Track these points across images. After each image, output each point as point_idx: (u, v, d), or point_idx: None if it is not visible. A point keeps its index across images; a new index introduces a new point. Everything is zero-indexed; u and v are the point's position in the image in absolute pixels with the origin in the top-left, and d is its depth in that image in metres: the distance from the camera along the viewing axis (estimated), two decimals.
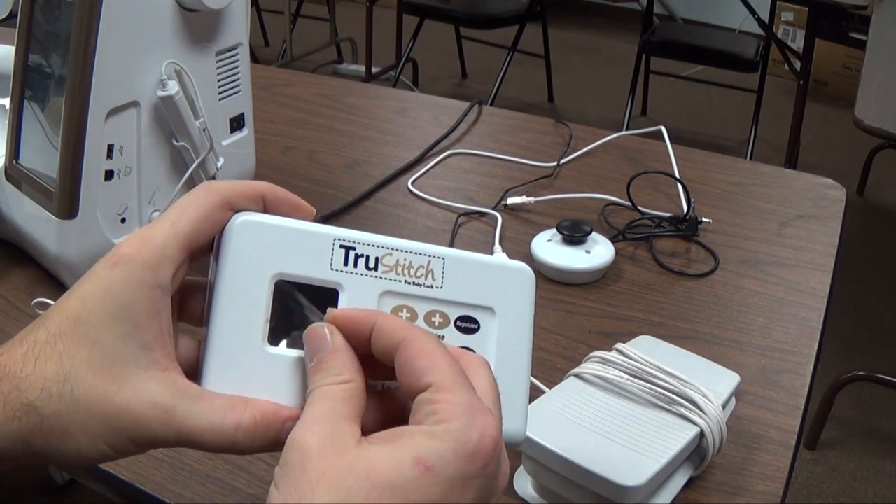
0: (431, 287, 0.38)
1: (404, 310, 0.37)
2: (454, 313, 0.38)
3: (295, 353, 0.36)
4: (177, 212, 0.35)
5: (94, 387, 0.32)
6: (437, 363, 0.33)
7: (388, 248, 0.37)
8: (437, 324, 0.38)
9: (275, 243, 0.36)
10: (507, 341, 0.38)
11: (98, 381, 0.32)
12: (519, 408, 0.38)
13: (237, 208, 0.36)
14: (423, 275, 0.38)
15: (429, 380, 0.32)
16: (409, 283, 0.37)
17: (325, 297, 0.36)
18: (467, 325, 0.38)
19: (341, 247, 0.37)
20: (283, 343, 0.36)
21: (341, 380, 0.33)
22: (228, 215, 0.36)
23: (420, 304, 0.37)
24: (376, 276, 0.37)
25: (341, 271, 0.37)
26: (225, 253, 0.35)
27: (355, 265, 0.37)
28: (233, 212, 0.36)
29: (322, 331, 0.35)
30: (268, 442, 0.33)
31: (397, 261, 0.37)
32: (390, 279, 0.37)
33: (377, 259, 0.37)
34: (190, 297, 0.38)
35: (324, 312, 0.36)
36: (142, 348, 0.33)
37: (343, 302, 0.36)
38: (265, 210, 0.37)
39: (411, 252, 0.38)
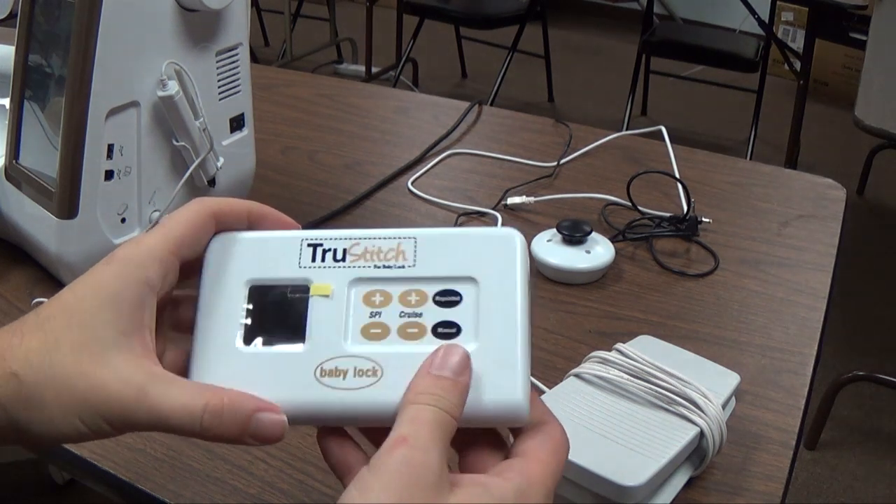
0: (403, 267, 0.37)
1: (377, 294, 0.37)
2: (432, 289, 0.37)
3: (267, 349, 0.37)
4: (170, 220, 0.38)
5: (72, 362, 0.34)
6: (557, 454, 0.37)
7: (355, 239, 0.38)
8: (413, 302, 0.37)
9: (247, 253, 0.38)
10: (495, 309, 0.37)
11: (76, 358, 0.34)
12: (517, 378, 0.35)
13: (224, 221, 0.39)
14: (393, 257, 0.38)
15: (541, 455, 0.36)
16: (379, 267, 0.37)
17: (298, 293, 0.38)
18: (447, 298, 0.37)
19: (309, 245, 0.38)
20: (258, 341, 0.37)
21: (456, 413, 0.34)
22: (213, 227, 0.39)
23: (393, 285, 0.37)
24: (343, 266, 0.38)
25: (308, 267, 0.38)
26: (205, 267, 0.38)
27: (323, 259, 0.38)
28: (218, 224, 0.39)
29: (467, 357, 0.35)
30: (235, 428, 0.34)
31: (365, 248, 0.38)
32: (358, 266, 0.37)
33: (345, 250, 0.38)
34: (185, 309, 0.40)
35: (297, 311, 0.37)
36: (121, 334, 0.35)
37: (314, 305, 0.37)
38: (251, 226, 0.39)
39: (380, 238, 0.38)
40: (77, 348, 0.34)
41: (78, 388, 0.34)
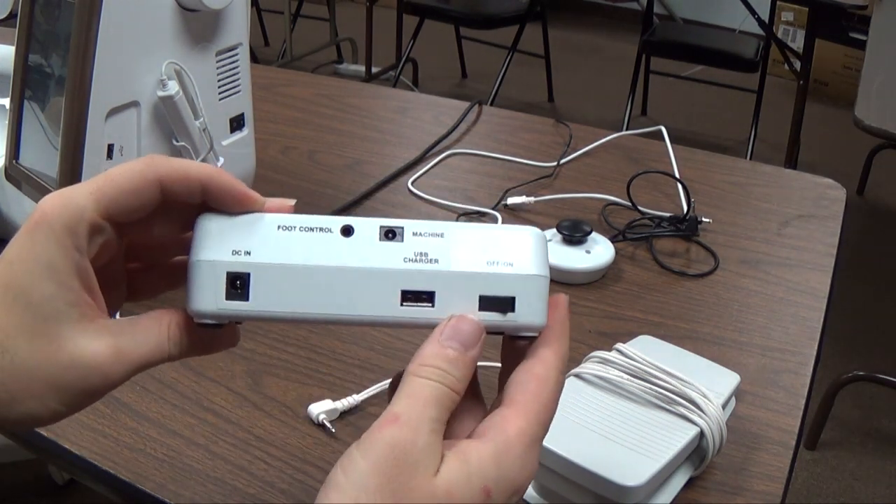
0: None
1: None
2: None
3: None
4: (106, 178, 0.34)
5: (33, 351, 0.32)
6: (541, 392, 0.34)
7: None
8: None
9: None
10: None
11: (36, 345, 0.32)
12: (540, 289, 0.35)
13: (171, 189, 0.35)
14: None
15: (519, 399, 0.34)
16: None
17: None
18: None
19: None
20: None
21: (460, 388, 0.33)
22: (157, 194, 0.35)
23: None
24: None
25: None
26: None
27: None
28: (164, 191, 0.34)
29: (480, 328, 0.34)
30: (201, 344, 0.36)
31: None
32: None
33: None
34: (142, 281, 0.39)
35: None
36: (69, 305, 0.33)
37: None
38: (204, 198, 0.35)
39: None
40: (32, 334, 0.32)
41: (48, 376, 0.32)
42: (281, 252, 0.33)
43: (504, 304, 0.33)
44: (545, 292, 0.34)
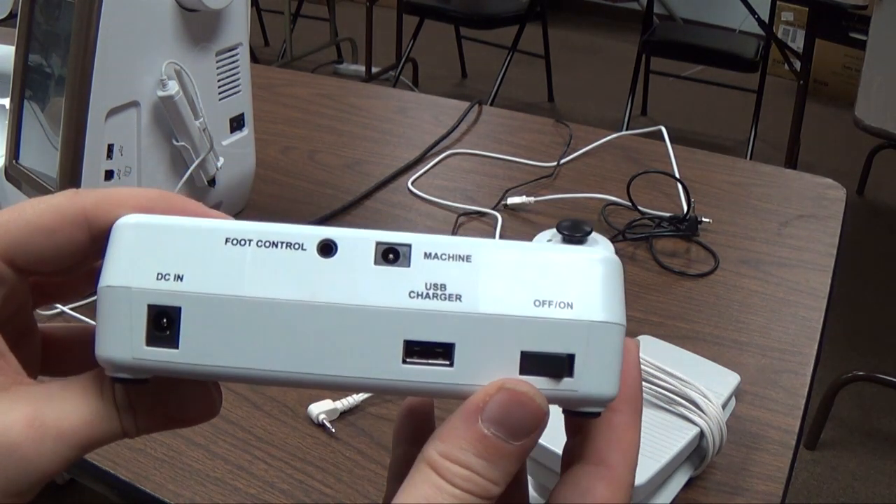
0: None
1: None
2: None
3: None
4: (13, 212, 0.25)
5: None
6: (629, 451, 0.25)
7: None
8: None
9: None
10: None
11: None
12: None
13: (102, 227, 0.24)
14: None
15: (609, 459, 0.25)
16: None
17: None
18: None
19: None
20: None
21: (496, 492, 0.22)
22: (83, 235, 0.25)
23: None
24: None
25: None
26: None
27: None
28: (92, 228, 0.25)
29: (543, 409, 0.22)
30: (151, 413, 0.25)
31: None
32: None
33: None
34: (61, 350, 0.29)
35: None
36: None
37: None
38: None
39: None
40: None
41: None
42: (228, 278, 0.22)
43: (557, 366, 0.23)
44: (619, 348, 0.23)
